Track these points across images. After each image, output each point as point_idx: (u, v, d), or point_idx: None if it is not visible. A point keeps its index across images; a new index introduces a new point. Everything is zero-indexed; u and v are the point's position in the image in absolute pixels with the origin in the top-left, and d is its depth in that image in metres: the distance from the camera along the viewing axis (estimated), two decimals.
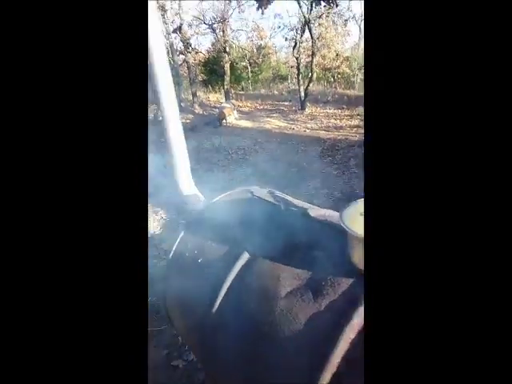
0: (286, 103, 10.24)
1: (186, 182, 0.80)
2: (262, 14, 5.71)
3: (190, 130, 6.67)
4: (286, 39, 10.60)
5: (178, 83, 10.34)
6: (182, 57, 10.11)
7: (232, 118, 7.73)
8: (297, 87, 9.41)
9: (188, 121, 8.25)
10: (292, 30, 9.91)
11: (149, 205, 2.70)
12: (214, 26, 9.46)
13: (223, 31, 9.48)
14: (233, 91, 11.82)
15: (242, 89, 13.75)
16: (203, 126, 7.25)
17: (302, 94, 8.76)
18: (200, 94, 11.28)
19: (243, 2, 7.76)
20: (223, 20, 9.08)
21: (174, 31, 8.99)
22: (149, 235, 2.70)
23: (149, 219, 2.91)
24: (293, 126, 7.25)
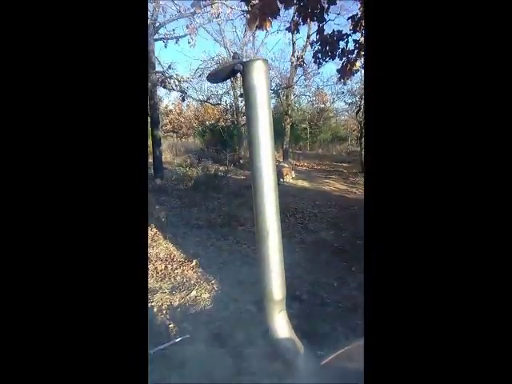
0: (345, 164, 9.99)
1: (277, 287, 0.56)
2: (345, 84, 5.79)
3: (245, 187, 6.67)
4: (347, 104, 10.75)
5: (239, 141, 10.86)
6: (245, 118, 10.72)
7: (289, 178, 7.64)
8: (357, 148, 9.19)
9: (244, 177, 8.38)
10: (354, 95, 10.03)
11: None
12: (279, 91, 10.02)
13: (287, 96, 9.96)
14: (291, 150, 12.02)
15: (300, 148, 13.97)
16: None
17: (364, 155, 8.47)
18: None
19: (309, 70, 8.13)
20: (288, 86, 9.58)
21: (241, 95, 9.67)
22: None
23: None
24: (354, 190, 6.85)
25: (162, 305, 2.51)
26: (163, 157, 8.27)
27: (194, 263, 3.20)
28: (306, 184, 7.52)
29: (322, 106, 12.67)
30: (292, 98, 10.47)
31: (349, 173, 8.74)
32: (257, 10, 1.76)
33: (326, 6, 2.02)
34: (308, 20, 2.19)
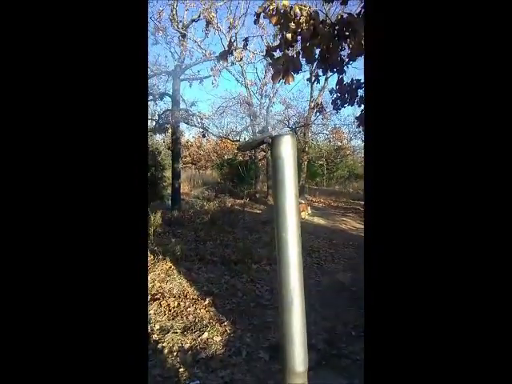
0: (362, 202, 9.87)
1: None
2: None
3: (261, 223, 6.66)
4: (363, 141, 10.83)
5: (256, 176, 11.04)
6: (262, 153, 10.97)
7: (305, 214, 7.59)
8: None
9: (260, 211, 8.39)
10: None
11: None
12: (297, 129, 10.28)
13: (304, 133, 10.20)
14: (307, 185, 12.05)
15: (316, 184, 14.00)
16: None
17: None
18: None
19: (327, 110, 8.37)
20: (306, 125, 9.85)
21: (260, 132, 9.97)
22: None
23: None
24: None
25: (173, 346, 2.45)
26: (181, 188, 8.48)
27: (207, 302, 3.15)
28: (322, 221, 7.45)
29: (339, 143, 12.85)
30: (309, 135, 10.71)
31: None
32: (280, 66, 1.88)
33: (347, 59, 2.14)
34: (329, 71, 2.31)
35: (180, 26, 6.95)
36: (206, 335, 2.59)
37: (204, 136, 8.95)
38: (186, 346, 2.46)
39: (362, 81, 2.71)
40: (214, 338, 2.57)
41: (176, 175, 7.70)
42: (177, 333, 2.63)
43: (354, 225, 7.17)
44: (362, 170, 14.18)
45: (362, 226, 7.00)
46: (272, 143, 0.61)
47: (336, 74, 2.31)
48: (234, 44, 5.50)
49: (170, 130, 7.95)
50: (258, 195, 10.00)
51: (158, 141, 12.26)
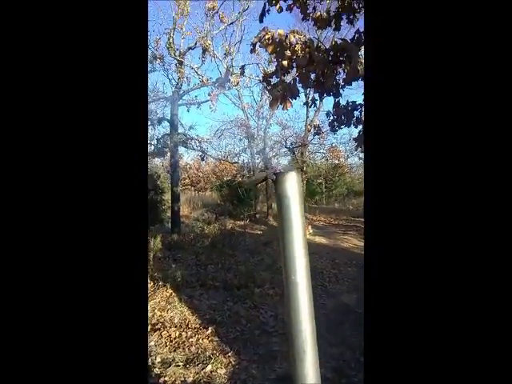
0: (363, 219, 9.81)
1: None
2: (362, 152, 6.03)
3: (262, 244, 6.58)
4: (361, 159, 10.93)
5: (255, 196, 11.03)
6: (262, 174, 10.99)
7: (307, 233, 7.50)
8: None
9: (260, 232, 8.31)
10: None
11: None
12: (294, 149, 10.39)
13: (302, 153, 10.30)
14: (307, 204, 12.03)
15: (316, 202, 13.99)
16: (275, 240, 7.13)
17: None
18: (275, 206, 11.71)
19: (324, 130, 8.49)
20: (303, 144, 9.96)
21: (258, 153, 10.06)
22: None
23: None
24: None
25: (176, 380, 2.34)
26: (181, 210, 8.43)
27: (209, 331, 3.04)
28: (323, 240, 7.37)
29: (337, 161, 12.96)
30: (307, 154, 10.81)
31: None
32: (278, 92, 1.92)
33: (342, 83, 2.18)
34: (325, 94, 2.36)
35: (177, 53, 7.16)
36: (209, 368, 2.48)
37: (203, 159, 9.01)
38: (189, 379, 2.35)
39: (358, 102, 2.75)
40: (218, 370, 2.46)
41: (175, 198, 7.68)
42: (179, 366, 2.52)
43: (355, 243, 7.09)
44: (360, 187, 14.23)
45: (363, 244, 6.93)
46: (276, 181, 0.60)
47: (332, 96, 2.36)
48: (231, 70, 5.65)
49: (168, 154, 8.01)
50: (258, 216, 9.94)
51: (157, 164, 12.34)
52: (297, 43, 1.81)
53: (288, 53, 1.83)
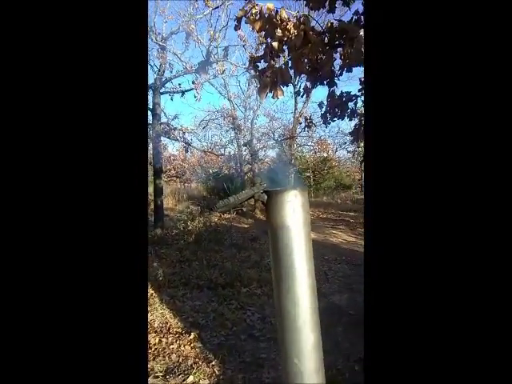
0: (352, 213, 9.78)
1: None
2: (358, 147, 5.88)
3: (249, 240, 6.42)
4: (350, 152, 10.86)
5: (242, 189, 10.82)
6: (248, 166, 10.78)
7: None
8: (362, 197, 9.05)
9: (247, 226, 8.14)
10: (358, 146, 10.16)
11: None
12: (282, 141, 10.18)
13: (290, 146, 10.10)
14: None
15: None
16: (263, 235, 6.96)
17: None
18: None
19: (314, 123, 8.28)
20: (291, 137, 9.76)
21: (244, 145, 9.81)
22: None
23: None
24: (363, 242, 6.55)
25: None
26: (165, 202, 8.12)
27: (192, 336, 2.85)
28: (312, 235, 7.24)
29: (325, 154, 12.84)
30: (295, 147, 10.62)
31: (356, 222, 8.49)
32: (267, 79, 1.68)
33: (339, 71, 1.97)
34: (318, 83, 2.14)
35: (159, 38, 6.77)
36: (191, 379, 2.29)
37: (187, 151, 8.69)
38: None
39: (352, 93, 2.56)
40: (201, 381, 2.27)
41: (158, 192, 7.37)
42: (158, 377, 2.32)
43: (345, 238, 7.01)
44: (348, 181, 14.21)
45: (354, 239, 6.85)
46: (269, 203, 0.39)
47: (325, 86, 2.15)
48: (214, 56, 5.34)
49: (151, 145, 7.66)
50: (245, 209, 9.74)
51: None
52: (289, 20, 1.58)
53: (279, 32, 1.59)
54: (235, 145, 10.22)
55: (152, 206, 7.84)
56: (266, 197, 0.39)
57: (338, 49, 1.80)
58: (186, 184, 19.28)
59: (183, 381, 2.28)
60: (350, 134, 2.53)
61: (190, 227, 6.64)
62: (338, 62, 2.17)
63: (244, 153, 10.33)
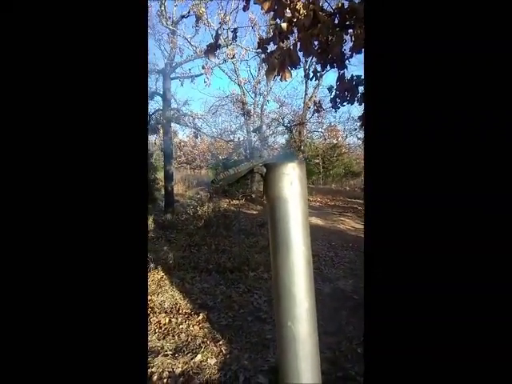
0: (360, 201, 9.70)
1: None
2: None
3: (258, 225, 6.46)
4: (360, 139, 10.67)
5: (251, 176, 10.81)
6: (258, 153, 10.73)
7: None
8: None
9: (256, 212, 8.18)
10: None
11: None
12: (292, 127, 10.07)
13: (300, 132, 9.99)
14: None
15: (313, 182, 13.81)
16: None
17: None
18: None
19: (323, 108, 8.16)
20: (301, 123, 9.64)
21: (254, 131, 9.75)
22: None
23: None
24: None
25: (163, 371, 2.23)
26: (175, 189, 8.22)
27: (200, 317, 2.93)
28: (319, 222, 7.25)
29: (335, 141, 12.66)
30: (305, 133, 10.49)
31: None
32: (275, 60, 1.66)
33: (350, 53, 1.92)
34: (328, 66, 2.10)
35: (169, 22, 6.68)
36: (199, 357, 2.37)
37: (197, 137, 8.70)
38: (178, 370, 2.25)
39: (363, 77, 2.50)
40: (208, 360, 2.36)
41: (168, 177, 7.45)
42: (167, 355, 2.41)
43: (352, 225, 6.99)
44: (358, 168, 14.03)
45: (361, 227, 6.82)
46: (267, 175, 0.40)
47: (336, 69, 2.10)
48: (223, 38, 5.25)
49: (161, 131, 7.69)
50: (253, 195, 9.78)
51: (150, 142, 11.98)
52: (298, 0, 1.54)
53: (288, 13, 1.56)
54: (245, 131, 10.17)
55: (162, 192, 7.96)
56: (265, 170, 0.40)
57: (349, 30, 1.76)
58: (196, 170, 19.37)
59: (191, 359, 2.37)
60: (359, 118, 2.49)
61: (200, 213, 6.72)
62: (349, 45, 2.11)
63: (254, 139, 10.28)
